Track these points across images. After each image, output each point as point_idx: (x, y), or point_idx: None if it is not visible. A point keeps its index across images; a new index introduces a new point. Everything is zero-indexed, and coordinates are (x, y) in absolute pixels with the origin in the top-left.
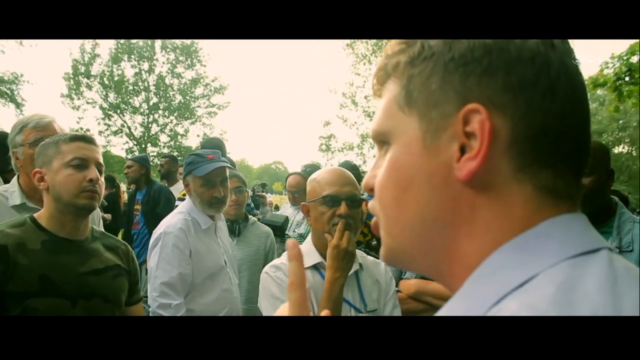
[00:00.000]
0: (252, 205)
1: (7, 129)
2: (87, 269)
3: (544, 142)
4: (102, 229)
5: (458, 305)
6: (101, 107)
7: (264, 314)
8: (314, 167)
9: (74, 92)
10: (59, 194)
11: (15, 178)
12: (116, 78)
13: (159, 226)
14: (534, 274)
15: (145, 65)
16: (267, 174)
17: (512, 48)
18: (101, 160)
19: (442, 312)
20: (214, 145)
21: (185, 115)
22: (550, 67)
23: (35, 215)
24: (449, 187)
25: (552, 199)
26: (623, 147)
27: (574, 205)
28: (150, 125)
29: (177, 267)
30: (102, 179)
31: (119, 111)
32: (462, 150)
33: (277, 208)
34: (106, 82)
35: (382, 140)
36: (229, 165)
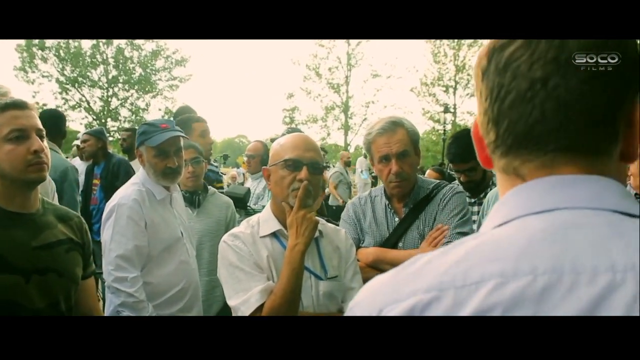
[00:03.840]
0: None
1: None
2: (40, 243)
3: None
4: (56, 201)
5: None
6: (57, 81)
7: (223, 283)
8: (295, 130)
9: (27, 65)
10: (4, 171)
11: None
12: (73, 50)
13: (112, 198)
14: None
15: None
16: (230, 147)
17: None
18: (40, 126)
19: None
20: (187, 112)
21: (146, 89)
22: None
23: None
24: None
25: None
26: None
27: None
28: (109, 99)
29: (132, 239)
30: (45, 143)
31: (76, 85)
32: None
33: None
34: (62, 54)
35: None
36: (183, 134)
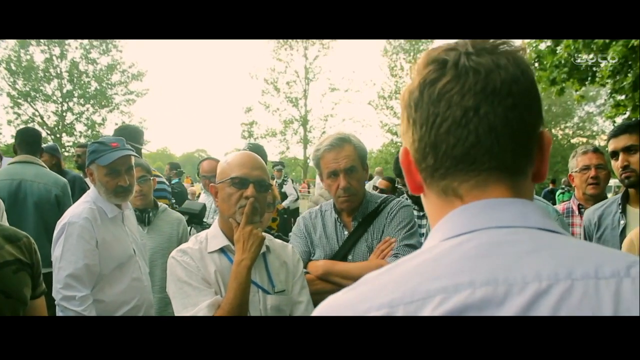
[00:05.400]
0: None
1: None
2: None
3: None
4: (5, 222)
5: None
6: (9, 95)
7: (172, 298)
8: (256, 146)
9: None
10: None
11: None
12: (24, 64)
13: (63, 216)
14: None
15: (57, 50)
16: (190, 162)
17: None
18: None
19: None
20: (130, 131)
21: (102, 103)
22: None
23: None
24: None
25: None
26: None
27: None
28: (64, 114)
29: (82, 258)
30: None
31: (29, 99)
32: None
33: (199, 196)
34: (13, 67)
35: None
36: (133, 153)
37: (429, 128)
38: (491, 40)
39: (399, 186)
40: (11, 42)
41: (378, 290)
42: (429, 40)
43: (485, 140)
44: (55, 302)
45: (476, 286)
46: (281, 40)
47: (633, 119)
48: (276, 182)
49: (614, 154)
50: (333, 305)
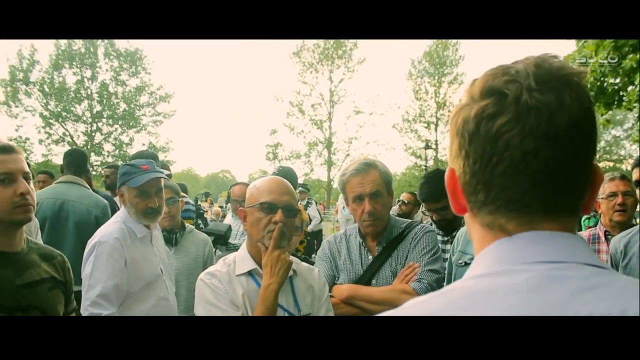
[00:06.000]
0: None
1: None
2: (23, 282)
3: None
4: (40, 240)
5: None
6: (41, 115)
7: None
8: (286, 169)
9: (10, 99)
10: None
11: None
12: (57, 85)
13: (94, 235)
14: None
15: (88, 73)
16: (214, 182)
17: None
18: (27, 169)
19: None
20: (147, 156)
21: (130, 124)
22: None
23: None
24: None
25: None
26: None
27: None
28: (93, 134)
29: (112, 277)
30: (32, 186)
31: (60, 119)
32: None
33: (224, 217)
34: (46, 89)
35: None
36: (164, 175)
37: (484, 166)
38: (554, 65)
39: (424, 211)
40: (45, 65)
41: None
42: (454, 65)
43: (542, 186)
44: None
45: None
46: (307, 63)
47: None
48: (301, 204)
49: (639, 183)
50: None
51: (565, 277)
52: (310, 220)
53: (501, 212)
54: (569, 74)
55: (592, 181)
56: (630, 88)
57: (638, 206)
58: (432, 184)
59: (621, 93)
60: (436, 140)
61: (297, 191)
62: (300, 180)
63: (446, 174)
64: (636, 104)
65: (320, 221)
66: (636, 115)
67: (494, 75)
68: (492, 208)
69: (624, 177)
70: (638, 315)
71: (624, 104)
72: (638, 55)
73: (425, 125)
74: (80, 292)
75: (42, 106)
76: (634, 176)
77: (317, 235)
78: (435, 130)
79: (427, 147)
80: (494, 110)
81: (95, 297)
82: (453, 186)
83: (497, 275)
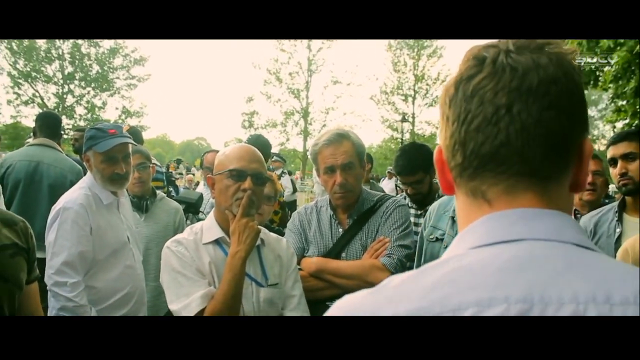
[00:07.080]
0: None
1: None
2: None
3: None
4: (2, 206)
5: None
6: (9, 74)
7: (165, 288)
8: (259, 137)
9: None
10: None
11: None
12: (26, 44)
13: (58, 201)
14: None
15: None
16: (189, 149)
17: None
18: None
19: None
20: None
21: (103, 87)
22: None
23: None
24: None
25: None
26: None
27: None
28: (65, 96)
29: (76, 244)
30: None
31: (30, 79)
32: None
33: (197, 184)
34: (15, 47)
35: None
36: (131, 141)
37: (460, 125)
38: (538, 40)
39: (399, 184)
40: None
41: (403, 296)
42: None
43: (516, 140)
44: (47, 287)
45: (511, 302)
46: None
47: (633, 127)
48: (276, 173)
49: (613, 161)
50: (352, 307)
51: (550, 256)
52: (283, 191)
53: (480, 175)
54: (551, 45)
55: (580, 152)
56: (606, 69)
57: (610, 186)
58: (408, 157)
59: (597, 73)
60: (413, 114)
61: (272, 160)
62: (275, 150)
63: (434, 152)
64: (611, 85)
65: (294, 192)
66: (610, 95)
67: (477, 46)
68: (471, 171)
69: (596, 156)
70: (622, 297)
71: (599, 84)
72: None
73: (403, 98)
74: (44, 259)
75: (10, 65)
76: (608, 154)
77: (292, 206)
78: (413, 103)
79: (403, 119)
80: (472, 72)
81: (59, 265)
82: (441, 163)
83: (481, 253)
